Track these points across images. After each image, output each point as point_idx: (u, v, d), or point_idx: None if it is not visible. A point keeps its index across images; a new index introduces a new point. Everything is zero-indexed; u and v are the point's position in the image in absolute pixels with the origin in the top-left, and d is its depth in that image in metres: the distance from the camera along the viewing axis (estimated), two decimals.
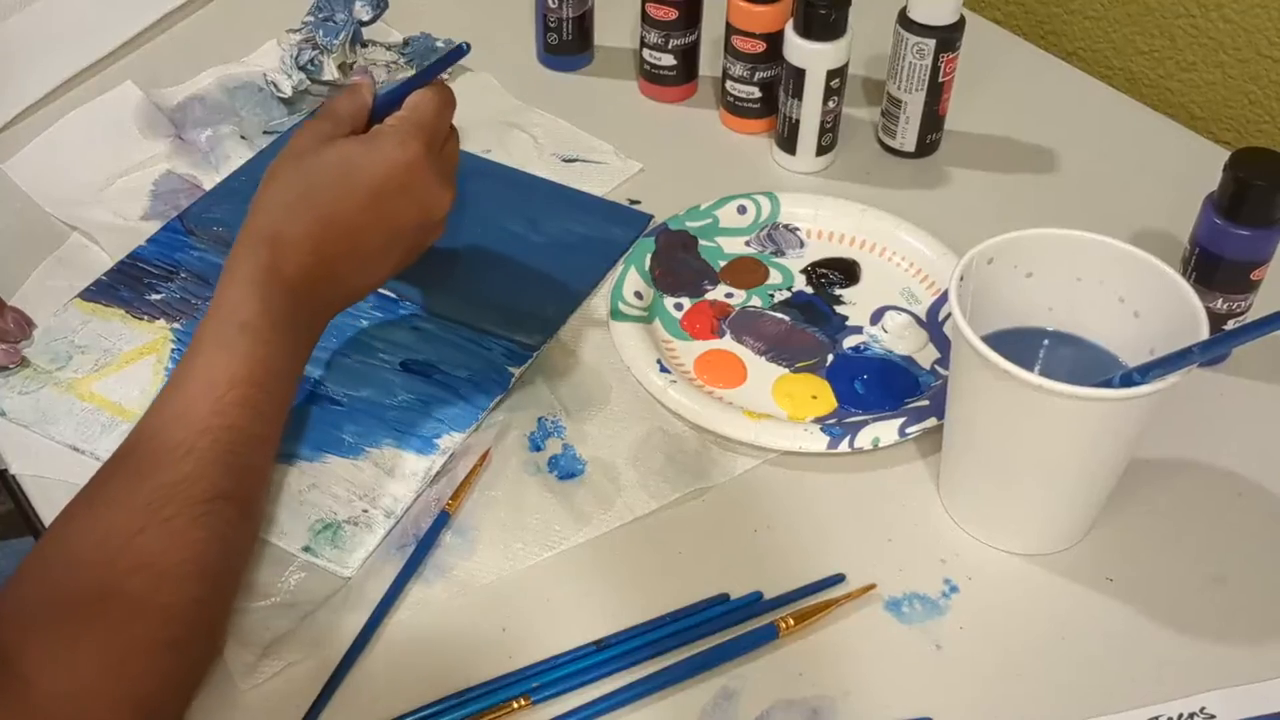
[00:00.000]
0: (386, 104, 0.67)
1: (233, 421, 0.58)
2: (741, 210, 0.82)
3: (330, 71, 0.91)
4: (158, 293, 0.77)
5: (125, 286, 0.77)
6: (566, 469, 0.68)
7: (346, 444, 0.68)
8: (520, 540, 0.64)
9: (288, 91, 0.90)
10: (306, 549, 0.64)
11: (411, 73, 0.93)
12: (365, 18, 0.92)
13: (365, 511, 0.65)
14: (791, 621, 0.60)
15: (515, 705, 0.58)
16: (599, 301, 0.78)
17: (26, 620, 0.52)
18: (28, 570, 0.54)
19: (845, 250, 0.81)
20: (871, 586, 0.62)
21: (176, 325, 0.75)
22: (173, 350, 0.73)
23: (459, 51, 0.69)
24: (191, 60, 0.94)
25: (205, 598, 0.56)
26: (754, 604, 0.62)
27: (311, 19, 0.91)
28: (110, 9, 0.98)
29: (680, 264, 0.80)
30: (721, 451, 0.69)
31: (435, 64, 0.69)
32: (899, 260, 0.80)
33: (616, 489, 0.67)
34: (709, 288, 0.79)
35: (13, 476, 0.68)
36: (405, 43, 0.95)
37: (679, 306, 0.78)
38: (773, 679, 0.59)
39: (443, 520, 0.65)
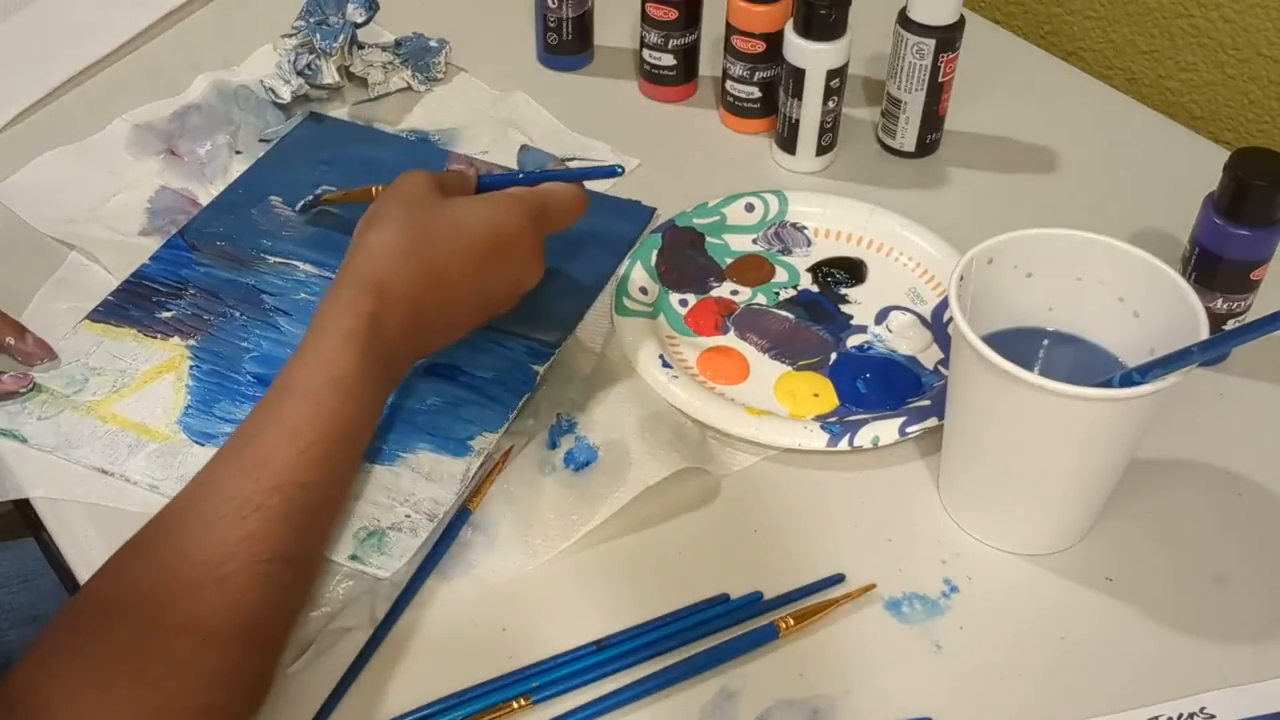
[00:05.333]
0: (490, 185, 0.70)
1: (309, 478, 0.56)
2: (749, 208, 0.83)
3: (330, 75, 0.90)
4: (168, 310, 0.76)
5: (134, 305, 0.76)
6: (581, 459, 0.67)
7: (382, 451, 0.68)
8: (541, 535, 0.64)
9: (286, 97, 0.89)
10: (353, 557, 0.63)
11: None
12: (360, 20, 0.91)
13: (408, 516, 0.65)
14: (791, 621, 0.60)
15: (515, 705, 0.58)
16: (604, 297, 0.78)
17: (60, 670, 0.50)
18: (68, 615, 0.52)
19: (852, 250, 0.81)
20: (871, 586, 0.62)
21: (192, 342, 0.74)
22: (190, 367, 0.73)
23: (610, 171, 0.71)
24: (186, 64, 0.93)
25: (250, 664, 0.54)
26: (754, 604, 0.62)
27: (303, 23, 0.90)
28: (110, 9, 0.98)
29: (687, 260, 0.80)
30: (721, 447, 0.69)
31: (580, 170, 0.71)
32: (905, 260, 0.80)
33: (628, 463, 0.66)
34: (715, 284, 0.79)
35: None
36: (398, 43, 0.95)
37: (684, 303, 0.78)
38: (773, 679, 0.59)
39: (465, 517, 0.65)
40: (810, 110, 0.84)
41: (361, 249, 0.63)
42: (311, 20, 0.90)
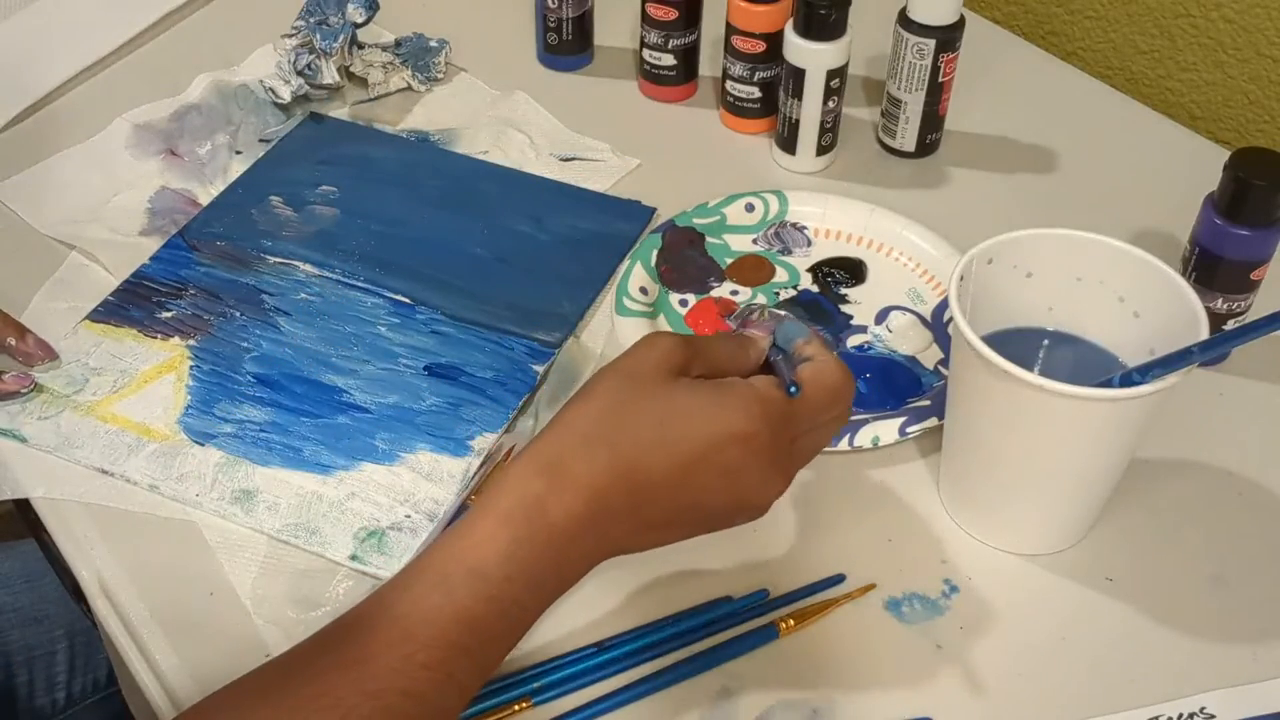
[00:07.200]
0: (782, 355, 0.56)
1: (416, 688, 0.46)
2: (749, 208, 0.83)
3: (330, 75, 0.90)
4: (168, 310, 0.76)
5: (134, 305, 0.76)
6: None
7: (380, 451, 0.68)
8: None
9: (287, 97, 0.90)
10: (354, 558, 0.63)
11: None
12: (360, 20, 0.91)
13: (408, 516, 0.65)
14: (792, 622, 0.60)
15: (516, 708, 0.58)
16: (604, 297, 0.78)
17: None
18: None
19: (853, 250, 0.81)
20: (871, 586, 0.62)
21: (192, 342, 0.74)
22: (191, 368, 0.72)
23: None
24: (186, 64, 0.93)
25: None
26: (755, 604, 0.62)
27: (303, 23, 0.90)
28: (110, 9, 0.98)
29: (687, 261, 0.80)
30: None
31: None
32: (905, 260, 0.80)
33: None
34: (715, 285, 0.79)
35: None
36: (398, 43, 0.95)
37: (684, 303, 0.78)
38: (773, 679, 0.59)
39: (464, 512, 0.65)
40: (810, 110, 0.84)
41: (556, 420, 0.53)
42: (311, 20, 0.90)
